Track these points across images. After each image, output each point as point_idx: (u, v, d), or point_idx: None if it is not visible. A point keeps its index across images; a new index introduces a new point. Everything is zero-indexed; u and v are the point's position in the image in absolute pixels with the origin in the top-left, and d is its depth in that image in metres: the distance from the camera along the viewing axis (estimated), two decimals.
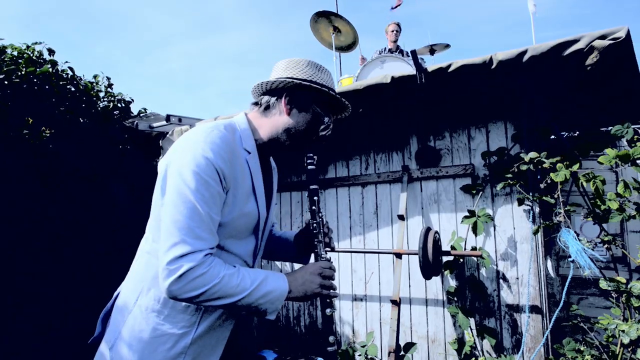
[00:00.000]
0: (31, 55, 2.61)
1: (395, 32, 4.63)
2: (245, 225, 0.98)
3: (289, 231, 1.28)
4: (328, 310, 1.00)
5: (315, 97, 1.03)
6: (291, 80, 1.00)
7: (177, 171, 0.87)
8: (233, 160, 0.92)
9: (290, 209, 3.11)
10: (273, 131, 1.03)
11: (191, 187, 0.84)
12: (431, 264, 2.09)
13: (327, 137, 1.08)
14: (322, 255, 1.04)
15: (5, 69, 2.38)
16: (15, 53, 2.53)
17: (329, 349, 0.99)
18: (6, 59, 2.46)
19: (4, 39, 2.52)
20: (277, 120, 1.03)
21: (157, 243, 0.90)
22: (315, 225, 1.07)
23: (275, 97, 1.03)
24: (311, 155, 1.07)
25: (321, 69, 1.06)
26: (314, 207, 1.07)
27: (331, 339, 0.99)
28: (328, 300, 1.01)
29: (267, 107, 1.04)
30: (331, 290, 1.00)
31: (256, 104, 1.07)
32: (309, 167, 1.08)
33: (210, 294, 0.84)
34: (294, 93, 1.02)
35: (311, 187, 1.07)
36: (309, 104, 1.02)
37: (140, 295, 0.95)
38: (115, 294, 1.04)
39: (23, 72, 2.48)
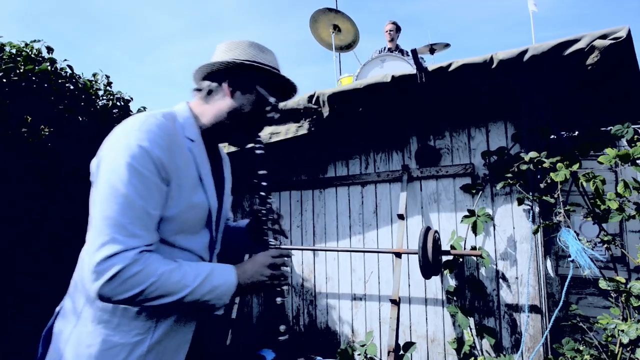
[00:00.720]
0: (30, 53, 2.59)
1: (390, 32, 4.61)
2: (196, 219, 0.92)
3: (243, 220, 1.22)
4: (279, 299, 0.97)
5: (259, 78, 0.99)
6: (232, 61, 0.96)
7: (108, 164, 0.80)
8: (173, 149, 0.86)
9: (289, 209, 3.11)
10: (217, 116, 0.98)
11: (123, 180, 0.77)
12: (431, 264, 2.09)
13: (275, 119, 1.03)
14: (272, 243, 1.01)
15: (3, 67, 2.37)
16: (13, 51, 2.52)
17: (280, 338, 0.96)
18: (4, 56, 2.45)
19: (3, 37, 2.50)
20: (221, 105, 0.98)
21: None
22: (264, 211, 1.03)
23: (217, 81, 0.99)
24: (259, 139, 1.03)
25: (264, 49, 1.02)
26: (262, 193, 1.03)
27: (282, 328, 0.96)
28: (279, 289, 0.97)
29: (210, 92, 1.00)
30: (282, 280, 0.96)
31: (198, 90, 1.02)
32: (257, 151, 1.03)
33: (148, 293, 0.77)
34: (237, 75, 0.98)
35: (259, 172, 1.03)
36: (252, 85, 0.98)
37: (85, 307, 0.86)
38: (57, 309, 0.95)
39: (22, 70, 2.47)
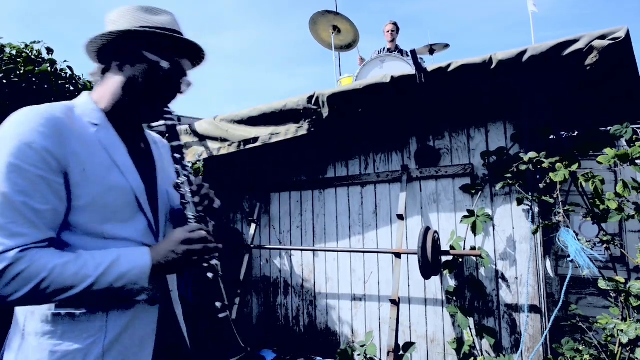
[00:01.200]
0: (30, 54, 2.60)
1: (391, 32, 4.62)
2: (120, 203, 0.86)
3: None
4: (210, 275, 0.92)
5: (149, 44, 0.90)
6: (112, 32, 0.88)
7: None
8: (66, 135, 0.80)
9: (289, 209, 3.11)
10: (114, 95, 0.91)
11: (1, 179, 0.73)
12: (430, 264, 2.09)
13: (180, 85, 0.96)
14: (190, 218, 0.93)
15: (4, 68, 2.38)
16: (14, 52, 2.53)
17: (220, 315, 0.91)
18: (5, 57, 2.45)
19: (3, 38, 2.51)
20: (115, 82, 0.91)
21: None
22: (180, 184, 0.94)
23: (106, 58, 0.92)
24: (168, 110, 0.96)
25: (154, 10, 0.93)
26: (177, 166, 0.96)
27: (218, 304, 0.91)
28: (206, 264, 0.91)
29: (103, 72, 0.93)
30: (203, 256, 0.89)
31: (94, 75, 0.96)
32: (168, 122, 0.96)
33: (43, 289, 0.73)
34: (122, 46, 0.90)
35: (173, 143, 0.97)
36: (140, 53, 0.89)
37: (26, 322, 0.81)
38: (7, 338, 0.89)
39: (22, 71, 2.47)
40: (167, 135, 0.97)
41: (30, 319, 0.81)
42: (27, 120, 0.78)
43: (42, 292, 0.73)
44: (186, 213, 0.93)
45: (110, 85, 0.92)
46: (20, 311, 0.84)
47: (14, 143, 0.75)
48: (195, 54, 1.00)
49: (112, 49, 0.91)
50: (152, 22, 0.91)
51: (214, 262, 0.92)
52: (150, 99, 0.93)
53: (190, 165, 0.99)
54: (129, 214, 0.88)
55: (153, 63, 0.90)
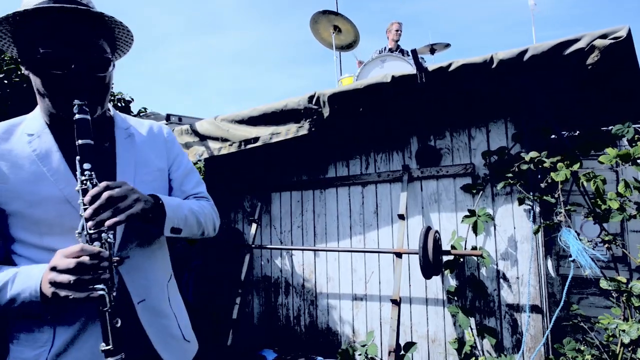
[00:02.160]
0: None
1: (399, 31, 4.63)
2: (53, 214, 0.81)
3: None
4: (102, 308, 0.74)
5: (19, 31, 0.80)
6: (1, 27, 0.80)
7: None
8: None
9: (290, 209, 3.11)
10: (39, 101, 0.88)
11: None
12: (431, 264, 2.08)
13: (94, 63, 0.82)
14: (81, 236, 0.77)
15: (5, 69, 2.38)
16: None
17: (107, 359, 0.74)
18: (6, 58, 2.46)
19: None
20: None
21: None
22: (80, 191, 0.79)
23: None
24: (78, 102, 0.80)
25: None
26: (79, 169, 0.80)
27: (102, 347, 0.74)
28: (82, 296, 0.72)
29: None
30: (70, 292, 0.71)
31: None
32: (77, 115, 0.80)
33: None
34: (17, 37, 0.82)
35: (80, 142, 0.80)
36: (27, 41, 0.79)
37: (5, 328, 0.86)
38: None
39: (23, 72, 2.48)
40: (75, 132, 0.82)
41: (6, 327, 0.86)
42: None
43: None
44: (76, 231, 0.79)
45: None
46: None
47: None
48: (105, 26, 0.86)
49: (17, 44, 0.85)
50: (23, 5, 0.79)
51: (98, 293, 0.73)
52: (48, 92, 0.83)
53: (90, 168, 0.80)
54: (70, 225, 0.81)
55: (26, 48, 0.80)
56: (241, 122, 2.78)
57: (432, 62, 3.98)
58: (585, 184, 1.88)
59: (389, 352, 2.12)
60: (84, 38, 0.81)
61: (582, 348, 1.95)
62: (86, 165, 0.79)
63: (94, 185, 0.79)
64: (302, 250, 2.96)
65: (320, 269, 2.93)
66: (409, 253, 2.30)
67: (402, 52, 4.63)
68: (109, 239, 0.78)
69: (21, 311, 0.76)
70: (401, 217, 2.44)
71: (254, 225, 3.04)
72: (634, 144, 1.82)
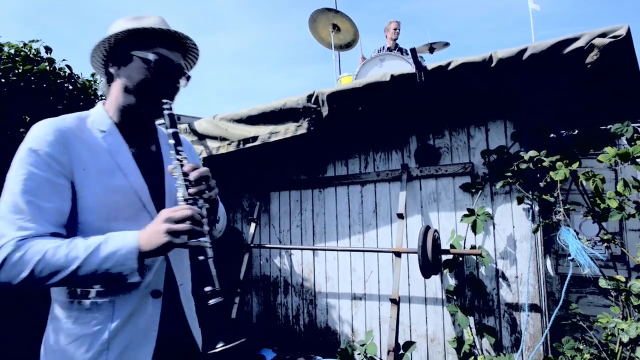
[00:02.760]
0: (28, 53, 2.59)
1: (397, 30, 4.63)
2: (122, 202, 0.93)
3: None
4: (201, 258, 0.87)
5: (136, 44, 0.96)
6: (101, 41, 0.96)
7: (9, 171, 0.89)
8: (72, 143, 0.91)
9: (289, 208, 3.10)
10: (118, 99, 1.00)
11: (15, 179, 0.85)
12: (430, 263, 2.08)
13: (174, 77, 1.00)
14: (180, 200, 0.91)
15: (2, 67, 2.37)
16: (12, 51, 2.51)
17: (210, 302, 0.85)
18: (3, 56, 2.44)
19: (1, 37, 2.50)
20: (116, 88, 1.00)
21: None
22: (173, 168, 0.94)
23: (105, 68, 1.02)
24: (165, 101, 0.98)
25: (141, 17, 1.01)
26: (171, 151, 0.95)
27: (207, 289, 0.86)
28: (193, 244, 0.87)
29: (107, 82, 1.02)
30: (189, 233, 0.86)
31: (103, 88, 1.05)
32: (166, 112, 0.98)
33: (39, 271, 0.80)
34: (116, 52, 0.98)
35: (169, 130, 0.97)
36: (128, 53, 0.96)
37: (53, 304, 0.94)
38: None
39: (20, 70, 2.46)
40: (164, 123, 0.99)
41: (56, 303, 0.93)
42: (37, 130, 0.90)
43: (40, 275, 0.81)
44: (177, 195, 0.93)
45: (113, 92, 1.01)
46: (52, 298, 0.95)
47: (24, 152, 0.87)
48: (187, 48, 1.05)
49: (109, 58, 1.00)
50: (139, 25, 0.97)
51: (203, 243, 0.87)
52: (146, 95, 0.98)
53: (182, 150, 0.97)
54: (133, 213, 0.95)
55: (141, 59, 0.96)
56: (240, 121, 2.77)
57: (431, 61, 3.98)
58: (584, 183, 1.88)
59: (388, 352, 2.12)
60: (179, 57, 1.03)
61: (581, 347, 1.96)
62: (179, 148, 0.95)
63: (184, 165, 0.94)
64: (301, 249, 2.95)
65: (319, 269, 2.93)
66: (408, 252, 2.30)
67: (401, 51, 4.62)
68: (205, 206, 0.93)
69: (108, 271, 0.83)
70: (400, 216, 2.44)
71: (253, 225, 3.04)
72: (633, 143, 1.82)
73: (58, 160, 0.88)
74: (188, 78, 1.04)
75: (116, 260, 0.83)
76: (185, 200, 0.91)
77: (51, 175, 0.87)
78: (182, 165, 0.94)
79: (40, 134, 0.88)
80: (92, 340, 0.89)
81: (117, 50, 0.98)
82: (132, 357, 0.91)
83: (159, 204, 0.99)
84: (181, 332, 1.04)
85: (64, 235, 0.88)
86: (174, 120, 0.99)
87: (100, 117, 1.00)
